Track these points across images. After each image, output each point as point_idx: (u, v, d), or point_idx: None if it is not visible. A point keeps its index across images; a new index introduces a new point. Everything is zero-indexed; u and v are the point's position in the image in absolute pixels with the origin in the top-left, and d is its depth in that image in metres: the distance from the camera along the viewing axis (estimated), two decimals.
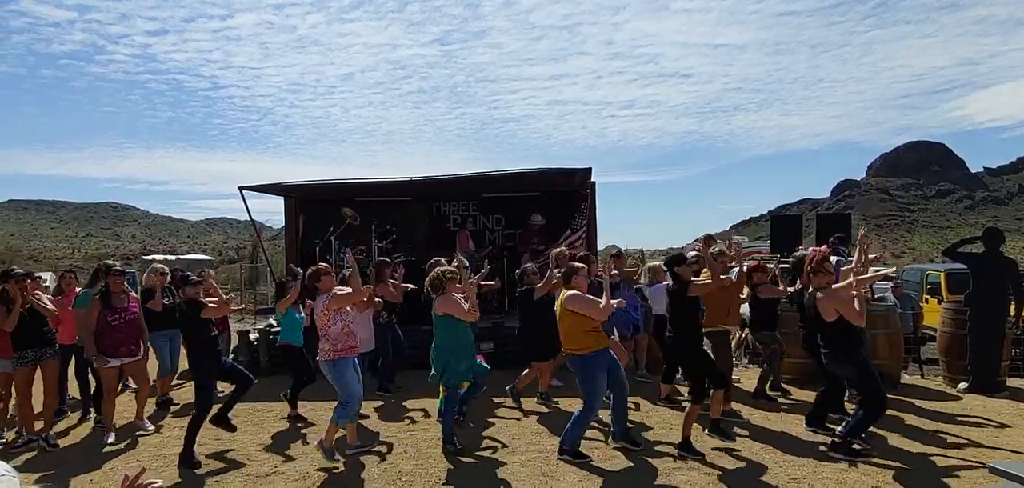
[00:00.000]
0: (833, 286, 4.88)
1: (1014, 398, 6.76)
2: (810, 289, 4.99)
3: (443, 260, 6.10)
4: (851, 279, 4.93)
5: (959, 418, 6.02)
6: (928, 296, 13.62)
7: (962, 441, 5.32)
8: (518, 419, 6.12)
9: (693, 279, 5.17)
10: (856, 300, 4.66)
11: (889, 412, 6.21)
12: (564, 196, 10.40)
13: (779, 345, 6.63)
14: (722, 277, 5.42)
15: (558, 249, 6.97)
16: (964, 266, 7.76)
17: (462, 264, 5.58)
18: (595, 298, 4.79)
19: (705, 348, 5.27)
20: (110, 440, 5.75)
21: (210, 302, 5.38)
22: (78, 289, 6.80)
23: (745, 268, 6.28)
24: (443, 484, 4.60)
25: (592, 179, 9.70)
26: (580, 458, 4.81)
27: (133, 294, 6.25)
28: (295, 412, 6.29)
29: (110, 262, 6.68)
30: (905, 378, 7.79)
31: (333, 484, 4.67)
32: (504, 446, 5.29)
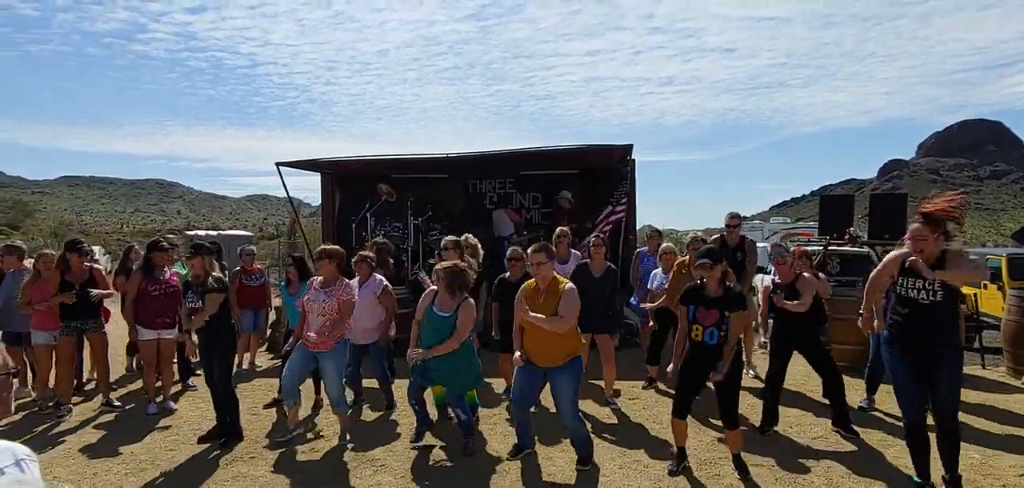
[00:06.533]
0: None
1: None
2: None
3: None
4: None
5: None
6: (987, 282, 12.95)
7: None
8: None
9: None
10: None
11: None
12: (602, 174, 10.15)
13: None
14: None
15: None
16: None
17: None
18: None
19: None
20: (152, 410, 5.89)
21: None
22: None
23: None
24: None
25: (631, 157, 9.41)
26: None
27: (176, 270, 6.34)
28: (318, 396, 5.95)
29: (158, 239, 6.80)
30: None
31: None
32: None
